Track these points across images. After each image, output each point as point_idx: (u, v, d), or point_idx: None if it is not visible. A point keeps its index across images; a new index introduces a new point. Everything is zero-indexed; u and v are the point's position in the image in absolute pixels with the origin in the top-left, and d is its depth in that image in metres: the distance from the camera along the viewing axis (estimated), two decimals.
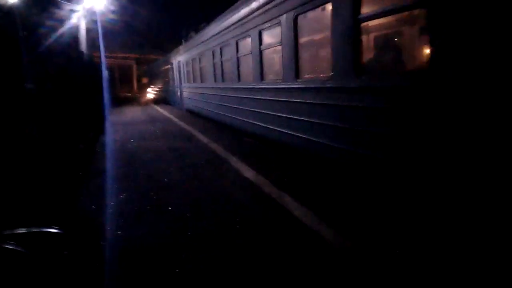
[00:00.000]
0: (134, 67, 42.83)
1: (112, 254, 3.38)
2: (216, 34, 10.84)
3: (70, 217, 4.24)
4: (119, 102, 26.13)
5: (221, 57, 10.75)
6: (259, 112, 7.84)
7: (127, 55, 40.78)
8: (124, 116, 17.12)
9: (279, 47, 6.73)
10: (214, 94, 11.86)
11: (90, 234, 3.80)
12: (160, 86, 27.70)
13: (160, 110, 20.38)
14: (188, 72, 16.34)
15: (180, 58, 17.92)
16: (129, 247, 3.48)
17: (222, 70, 10.82)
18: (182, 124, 12.89)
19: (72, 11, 10.13)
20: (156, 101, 28.09)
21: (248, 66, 8.52)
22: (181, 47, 17.65)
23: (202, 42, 12.73)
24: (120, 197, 4.97)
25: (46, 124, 5.66)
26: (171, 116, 16.17)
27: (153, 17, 38.11)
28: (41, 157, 5.00)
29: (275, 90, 6.98)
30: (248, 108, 8.60)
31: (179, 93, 19.16)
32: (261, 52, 7.67)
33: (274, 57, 8.19)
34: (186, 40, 17.06)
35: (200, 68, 13.73)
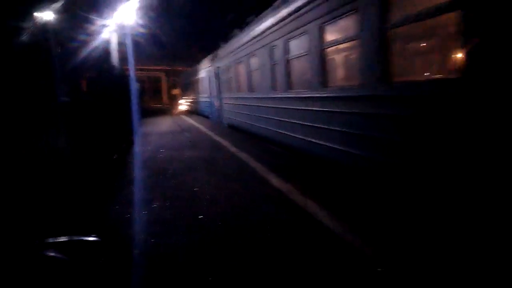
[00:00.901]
0: (164, 78, 43.92)
1: (145, 261, 3.39)
2: (281, 22, 7.66)
3: (106, 225, 4.30)
4: (149, 113, 26.02)
5: (287, 53, 7.70)
6: None
7: (157, 67, 41.89)
8: (155, 128, 17.41)
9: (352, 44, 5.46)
10: (274, 107, 8.63)
11: (124, 242, 3.83)
12: (193, 97, 25.18)
13: (193, 122, 18.66)
14: (229, 79, 13.51)
15: (219, 64, 14.94)
16: (162, 254, 3.47)
17: (289, 74, 7.71)
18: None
19: (103, 26, 10.46)
20: (189, 112, 26.42)
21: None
22: (220, 51, 14.92)
23: (254, 38, 9.79)
24: (152, 206, 4.99)
25: (81, 136, 5.80)
26: (205, 129, 14.88)
27: (181, 29, 38.93)
28: (76, 167, 5.12)
29: None
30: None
31: (217, 105, 16.22)
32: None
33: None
34: (226, 42, 14.35)
35: (248, 74, 10.82)
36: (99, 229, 4.02)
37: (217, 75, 15.65)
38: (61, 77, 4.89)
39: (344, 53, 8.21)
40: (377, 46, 4.57)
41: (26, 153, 3.88)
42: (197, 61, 25.92)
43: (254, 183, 5.67)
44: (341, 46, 6.07)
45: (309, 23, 6.32)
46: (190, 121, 19.53)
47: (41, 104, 4.30)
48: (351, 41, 5.27)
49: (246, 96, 11.24)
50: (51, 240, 3.45)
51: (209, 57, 17.26)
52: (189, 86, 27.23)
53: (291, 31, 7.15)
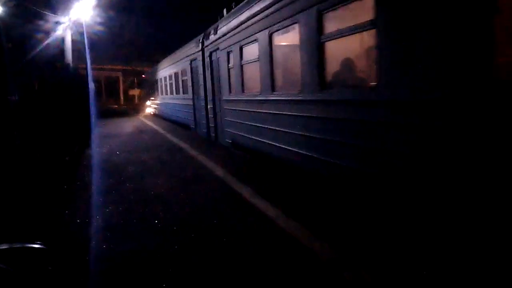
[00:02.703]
0: (121, 79, 42.70)
1: (97, 268, 3.31)
2: None
3: (54, 232, 4.15)
4: (105, 115, 24.15)
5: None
6: None
7: (114, 67, 40.69)
8: (111, 130, 16.84)
9: None
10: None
11: (75, 249, 3.72)
12: (161, 99, 20.41)
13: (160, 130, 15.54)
14: (237, 74, 8.19)
15: (222, 45, 9.01)
16: (115, 262, 3.41)
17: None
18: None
19: (58, 23, 10.06)
20: (156, 116, 22.30)
21: None
22: (223, 24, 9.06)
23: None
24: (106, 211, 4.88)
25: (31, 136, 5.57)
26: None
27: (140, 28, 38.12)
28: (25, 168, 4.91)
29: None
30: None
31: (208, 112, 10.91)
32: None
33: None
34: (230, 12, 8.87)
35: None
36: (46, 236, 3.87)
37: (211, 65, 10.20)
38: (11, 74, 4.68)
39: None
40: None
41: None
42: (156, 60, 23.67)
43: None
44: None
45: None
46: (154, 127, 16.41)
47: None
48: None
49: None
50: None
51: (197, 39, 11.75)
52: (156, 85, 21.91)
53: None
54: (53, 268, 3.29)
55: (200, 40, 11.13)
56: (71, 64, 10.97)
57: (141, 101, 36.58)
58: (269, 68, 6.49)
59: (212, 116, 10.52)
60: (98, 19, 16.67)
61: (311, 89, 5.27)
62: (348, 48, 5.46)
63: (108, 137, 12.95)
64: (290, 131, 5.97)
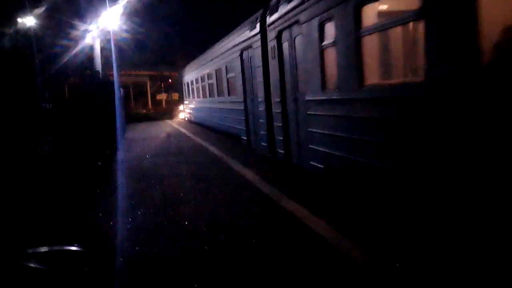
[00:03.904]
0: (148, 84, 43.53)
1: (130, 269, 3.35)
2: None
3: (90, 234, 4.23)
4: (135, 119, 23.22)
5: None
6: None
7: (141, 73, 41.50)
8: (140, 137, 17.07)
9: None
10: None
11: (109, 250, 3.77)
12: (200, 102, 17.12)
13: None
14: (345, 54, 4.89)
15: (312, 14, 5.66)
16: (147, 262, 3.44)
17: None
18: None
19: (86, 31, 10.36)
20: (192, 123, 19.54)
21: None
22: None
23: None
24: (137, 213, 4.94)
25: (64, 143, 5.72)
26: None
27: (165, 35, 38.76)
28: (57, 174, 5.04)
29: None
30: None
31: (285, 117, 7.30)
32: None
33: None
34: None
35: None
36: (82, 238, 3.95)
37: (280, 50, 7.21)
38: (43, 83, 4.82)
39: None
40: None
41: (6, 160, 3.80)
42: (182, 66, 21.97)
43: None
44: None
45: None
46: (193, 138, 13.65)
47: (23, 111, 4.23)
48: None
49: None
50: (30, 250, 3.36)
51: (251, 19, 8.87)
52: (191, 87, 18.85)
53: None
54: (88, 269, 3.35)
55: (259, 19, 8.09)
56: (100, 71, 11.26)
57: (168, 105, 36.99)
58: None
59: (280, 124, 7.42)
60: (125, 27, 17.04)
61: None
62: None
63: (137, 141, 13.11)
64: None
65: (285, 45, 7.01)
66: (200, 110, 17.31)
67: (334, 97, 5.27)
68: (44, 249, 3.44)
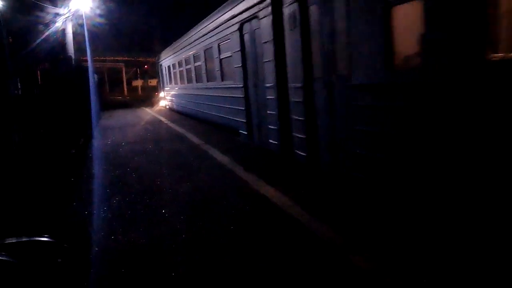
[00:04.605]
0: (124, 70, 42.60)
1: (105, 259, 3.33)
2: None
3: (62, 224, 4.17)
4: (109, 106, 22.22)
5: None
6: None
7: (116, 58, 40.55)
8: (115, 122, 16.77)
9: None
10: None
11: (84, 240, 3.73)
12: (185, 89, 15.00)
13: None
14: None
15: None
16: (122, 251, 3.44)
17: None
18: None
19: (57, 15, 9.98)
20: (173, 111, 18.18)
21: None
22: None
23: None
24: (113, 202, 4.89)
25: (34, 130, 5.57)
26: None
27: (140, 20, 37.89)
28: (29, 163, 4.91)
29: None
30: None
31: (309, 110, 5.59)
32: None
33: None
34: None
35: None
36: (55, 229, 3.88)
37: (302, 18, 5.46)
38: (13, 69, 4.65)
39: None
40: None
41: None
42: (162, 49, 20.18)
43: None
44: None
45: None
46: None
47: None
48: None
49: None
50: None
51: None
52: (173, 71, 16.93)
53: None
54: (62, 260, 3.30)
55: None
56: (73, 57, 10.92)
57: (144, 91, 36.31)
58: None
59: (302, 118, 5.77)
60: (98, 11, 16.52)
61: None
62: None
63: (111, 130, 12.93)
64: None
65: (313, 9, 5.22)
66: (184, 98, 15.22)
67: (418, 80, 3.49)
68: (11, 240, 3.33)
